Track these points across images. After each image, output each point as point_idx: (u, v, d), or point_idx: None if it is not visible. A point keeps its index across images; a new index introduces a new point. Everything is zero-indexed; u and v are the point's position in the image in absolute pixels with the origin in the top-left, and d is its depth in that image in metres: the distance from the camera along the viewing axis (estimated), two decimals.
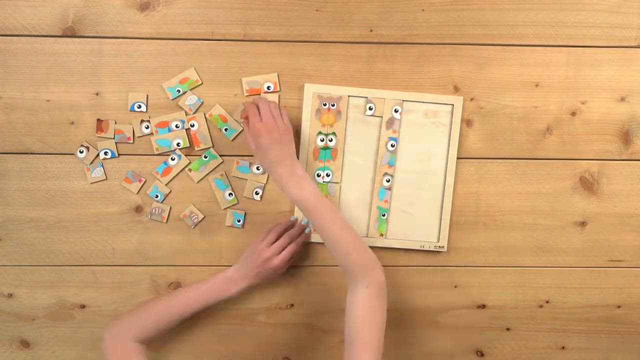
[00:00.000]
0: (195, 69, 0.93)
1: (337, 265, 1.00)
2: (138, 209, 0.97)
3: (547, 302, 1.04)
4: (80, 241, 0.98)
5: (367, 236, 0.99)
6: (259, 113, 0.86)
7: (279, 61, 0.94)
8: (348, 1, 0.93)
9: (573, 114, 0.98)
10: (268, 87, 0.95)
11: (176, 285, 1.00)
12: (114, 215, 0.97)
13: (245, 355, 1.03)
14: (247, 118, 0.88)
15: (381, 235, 0.99)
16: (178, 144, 0.95)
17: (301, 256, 0.99)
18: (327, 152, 0.97)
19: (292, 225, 0.96)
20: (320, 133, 0.96)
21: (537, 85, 0.97)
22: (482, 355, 1.06)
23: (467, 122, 0.97)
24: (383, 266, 0.86)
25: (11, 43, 0.91)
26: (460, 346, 1.05)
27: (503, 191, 1.00)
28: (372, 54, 0.95)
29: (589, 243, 1.02)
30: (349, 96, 0.95)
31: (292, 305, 1.02)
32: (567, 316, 1.05)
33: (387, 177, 0.97)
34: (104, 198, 0.96)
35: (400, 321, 1.03)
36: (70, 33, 0.91)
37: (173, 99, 0.94)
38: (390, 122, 0.96)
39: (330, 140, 0.97)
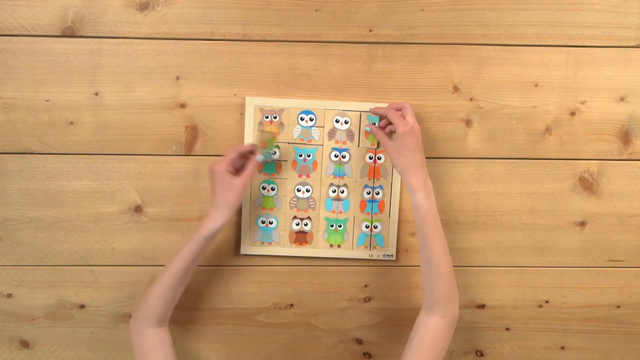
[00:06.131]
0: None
1: (336, 265, 1.00)
2: (137, 209, 0.97)
3: (547, 302, 1.04)
4: (80, 241, 0.98)
5: (317, 247, 0.98)
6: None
7: (279, 61, 0.94)
8: (347, 1, 0.93)
9: (572, 114, 0.98)
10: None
11: None
12: (113, 215, 0.97)
13: (245, 355, 1.03)
14: (381, 119, 0.92)
15: (331, 246, 0.98)
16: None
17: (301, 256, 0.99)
18: (272, 165, 0.96)
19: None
20: None
21: (536, 85, 0.97)
22: (482, 355, 1.06)
23: (466, 122, 0.97)
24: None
25: (10, 43, 0.91)
26: (460, 346, 1.05)
27: (502, 191, 1.00)
28: (371, 54, 0.95)
29: (588, 243, 1.02)
30: (290, 108, 0.95)
31: (292, 305, 1.02)
32: (566, 316, 1.05)
33: (332, 188, 0.97)
34: (103, 198, 0.96)
35: (400, 321, 1.03)
36: (69, 33, 0.91)
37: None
38: (332, 132, 0.96)
39: (274, 153, 0.96)
